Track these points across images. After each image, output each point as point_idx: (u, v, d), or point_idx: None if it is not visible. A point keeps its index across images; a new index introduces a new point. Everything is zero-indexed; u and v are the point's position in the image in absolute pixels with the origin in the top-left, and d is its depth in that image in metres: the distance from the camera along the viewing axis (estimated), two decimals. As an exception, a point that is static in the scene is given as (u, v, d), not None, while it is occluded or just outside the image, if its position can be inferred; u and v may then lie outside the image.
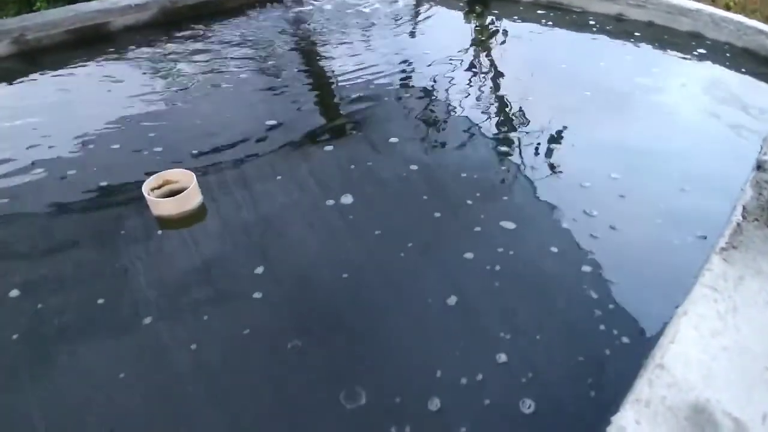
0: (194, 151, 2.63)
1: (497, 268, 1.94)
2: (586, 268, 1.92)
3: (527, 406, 1.48)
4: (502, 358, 1.60)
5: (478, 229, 2.15)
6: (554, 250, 2.03)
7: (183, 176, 2.26)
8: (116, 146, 2.71)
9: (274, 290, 1.87)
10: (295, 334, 1.70)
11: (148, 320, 1.74)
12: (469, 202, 2.30)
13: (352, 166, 2.55)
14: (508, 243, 2.06)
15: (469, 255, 2.00)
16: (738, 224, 1.76)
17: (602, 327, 1.70)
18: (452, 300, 1.80)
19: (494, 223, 2.16)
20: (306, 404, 1.52)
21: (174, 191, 2.24)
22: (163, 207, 2.17)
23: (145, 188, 2.18)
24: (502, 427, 1.47)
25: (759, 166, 2.15)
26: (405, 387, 1.55)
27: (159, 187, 2.25)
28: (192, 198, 2.22)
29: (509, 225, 2.15)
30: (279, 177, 2.48)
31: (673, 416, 1.20)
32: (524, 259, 2.01)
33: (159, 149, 2.66)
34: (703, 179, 2.45)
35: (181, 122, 2.96)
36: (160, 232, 2.15)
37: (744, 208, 1.86)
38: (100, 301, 1.81)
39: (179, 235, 2.15)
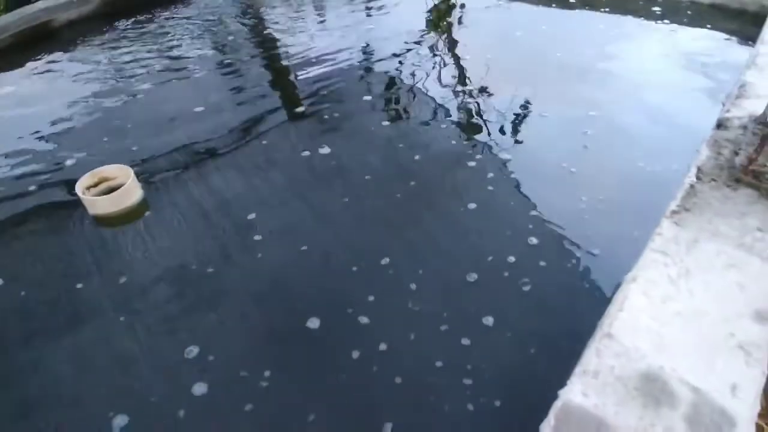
0: (134, 148, 2.50)
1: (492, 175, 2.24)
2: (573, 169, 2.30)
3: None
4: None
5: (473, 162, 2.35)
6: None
7: (120, 172, 2.14)
8: (50, 146, 2.58)
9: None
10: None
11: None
12: (453, 142, 2.51)
13: (326, 120, 2.68)
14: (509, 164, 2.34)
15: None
16: (691, 186, 1.69)
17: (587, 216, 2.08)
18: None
19: (489, 155, 2.40)
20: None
21: (112, 188, 2.12)
22: (100, 205, 2.06)
23: (79, 187, 2.06)
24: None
25: (719, 125, 2.05)
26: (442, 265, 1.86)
27: (95, 185, 2.13)
28: (131, 194, 2.10)
29: (506, 156, 2.40)
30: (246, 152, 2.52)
31: (623, 386, 1.13)
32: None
33: (102, 144, 2.53)
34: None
35: (127, 114, 2.82)
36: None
37: (699, 169, 1.79)
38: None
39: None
